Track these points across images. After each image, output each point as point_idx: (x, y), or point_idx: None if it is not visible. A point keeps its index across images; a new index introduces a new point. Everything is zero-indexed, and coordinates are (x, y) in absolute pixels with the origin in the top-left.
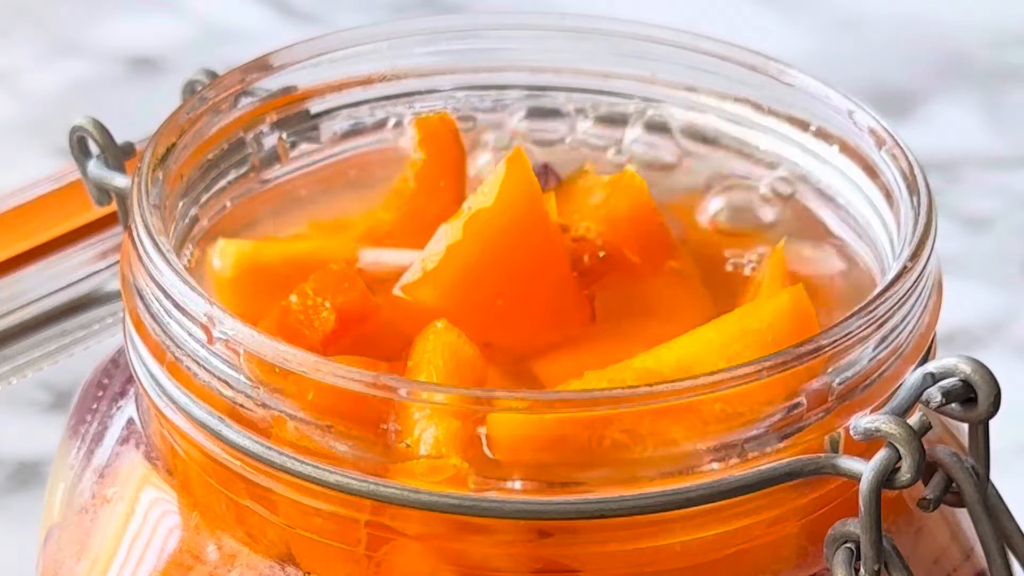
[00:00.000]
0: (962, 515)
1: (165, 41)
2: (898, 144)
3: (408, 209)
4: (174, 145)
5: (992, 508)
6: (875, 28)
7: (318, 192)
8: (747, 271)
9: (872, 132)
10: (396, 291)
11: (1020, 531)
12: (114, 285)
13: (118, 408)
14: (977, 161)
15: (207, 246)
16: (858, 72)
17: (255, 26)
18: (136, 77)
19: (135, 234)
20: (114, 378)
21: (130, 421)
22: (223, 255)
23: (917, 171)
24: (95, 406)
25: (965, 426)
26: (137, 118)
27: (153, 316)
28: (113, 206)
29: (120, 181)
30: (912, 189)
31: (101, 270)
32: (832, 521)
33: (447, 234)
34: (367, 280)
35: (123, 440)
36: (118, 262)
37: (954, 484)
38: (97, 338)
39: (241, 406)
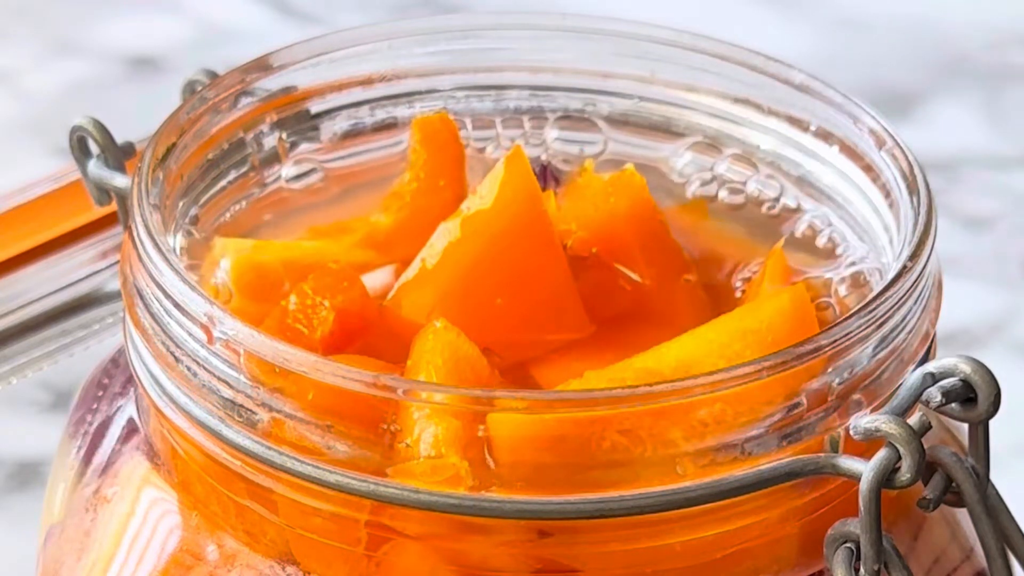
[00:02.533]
0: (962, 515)
1: (165, 41)
2: (898, 144)
3: (408, 210)
4: (174, 145)
5: (992, 508)
6: (875, 28)
7: (318, 194)
8: (746, 272)
9: (872, 132)
10: (395, 289)
11: (1020, 531)
12: (114, 285)
13: (118, 408)
14: (977, 161)
15: (207, 247)
16: (858, 72)
17: (255, 26)
18: (136, 77)
19: (135, 234)
20: (114, 378)
21: (130, 421)
22: (222, 255)
23: (917, 171)
24: (95, 406)
25: (965, 426)
26: (137, 118)
27: (153, 316)
28: (113, 206)
29: (120, 181)
30: (912, 189)
31: (101, 270)
32: (832, 521)
33: (446, 233)
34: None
35: (123, 440)
36: (118, 262)
37: (954, 484)
38: (97, 338)
39: (241, 406)
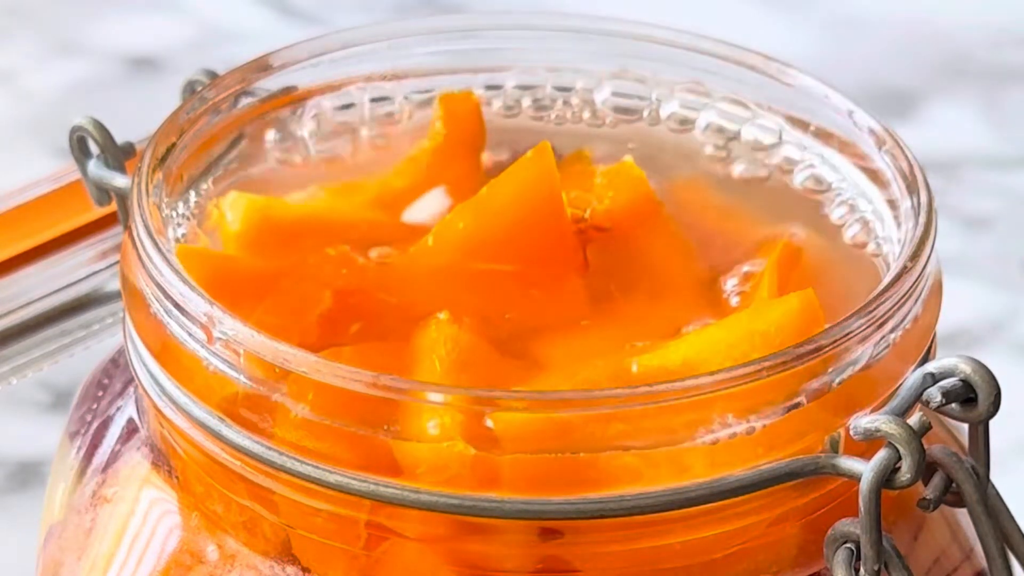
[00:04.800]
0: (962, 515)
1: (165, 41)
2: (898, 144)
3: (423, 176)
4: (174, 145)
5: (992, 508)
6: (875, 28)
7: (324, 165)
8: (745, 259)
9: (872, 132)
10: (401, 264)
11: (1020, 531)
12: (114, 285)
13: (118, 408)
14: (977, 161)
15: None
16: (858, 72)
17: (255, 26)
18: (136, 77)
19: (135, 234)
20: (114, 378)
21: (130, 421)
22: (233, 208)
23: (917, 171)
24: (95, 406)
25: (965, 426)
26: (137, 118)
27: (153, 316)
28: (113, 206)
29: (120, 181)
30: (912, 189)
31: (101, 270)
32: (832, 521)
33: (458, 214)
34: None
35: (123, 440)
36: (118, 262)
37: (954, 484)
38: (97, 338)
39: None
